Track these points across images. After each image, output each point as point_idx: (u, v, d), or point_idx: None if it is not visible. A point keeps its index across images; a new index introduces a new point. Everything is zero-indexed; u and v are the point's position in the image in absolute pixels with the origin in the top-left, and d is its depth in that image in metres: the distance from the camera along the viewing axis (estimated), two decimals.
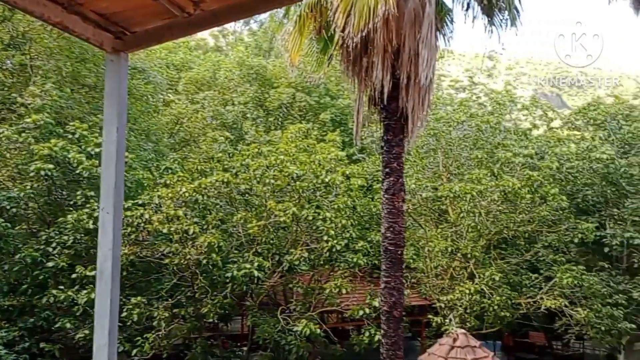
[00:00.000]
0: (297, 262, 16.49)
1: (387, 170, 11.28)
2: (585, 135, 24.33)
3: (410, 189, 19.86)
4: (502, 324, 19.26)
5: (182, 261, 15.30)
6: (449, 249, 18.79)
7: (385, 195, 11.22)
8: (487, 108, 24.30)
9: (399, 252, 11.00)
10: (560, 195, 19.59)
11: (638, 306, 21.15)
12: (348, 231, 16.77)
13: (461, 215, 19.10)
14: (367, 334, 16.12)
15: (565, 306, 18.40)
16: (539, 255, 21.95)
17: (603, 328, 20.47)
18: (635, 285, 21.60)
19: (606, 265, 22.58)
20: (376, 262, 17.74)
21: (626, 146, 24.44)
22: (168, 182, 16.70)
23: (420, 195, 20.88)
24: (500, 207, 19.44)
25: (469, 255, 18.57)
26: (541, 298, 18.54)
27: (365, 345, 16.33)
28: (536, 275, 21.14)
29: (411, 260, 19.31)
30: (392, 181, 11.19)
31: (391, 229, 11.04)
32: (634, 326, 20.86)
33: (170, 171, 18.55)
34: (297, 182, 17.05)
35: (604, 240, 22.52)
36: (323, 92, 30.20)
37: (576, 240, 22.20)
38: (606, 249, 22.55)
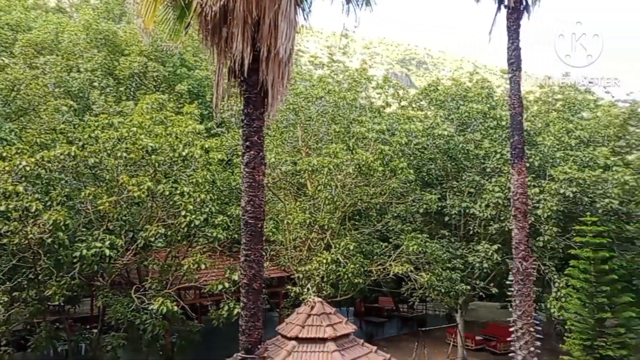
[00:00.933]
0: (152, 239, 15.90)
1: (247, 143, 11.19)
2: (429, 114, 26.25)
3: (270, 162, 20.04)
4: (355, 291, 20.37)
5: (22, 241, 14.00)
6: (307, 222, 19.34)
7: (246, 169, 11.15)
8: (343, 85, 25.16)
9: (259, 225, 11.04)
10: (409, 169, 21.03)
11: (472, 269, 23.54)
12: (207, 206, 16.49)
13: (319, 188, 19.71)
14: (226, 307, 16.11)
15: (411, 271, 19.95)
16: (389, 225, 23.50)
17: (443, 290, 22.56)
18: (471, 251, 23.99)
19: (446, 233, 24.76)
20: (236, 236, 17.74)
21: (463, 124, 26.79)
22: (4, 154, 15.07)
23: (280, 169, 21.17)
24: (355, 180, 20.38)
25: (325, 227, 19.29)
26: (390, 265, 19.89)
27: (224, 319, 16.31)
28: (386, 243, 22.62)
29: (270, 234, 19.59)
30: (253, 155, 11.14)
31: (251, 202, 11.03)
32: (468, 287, 23.23)
33: (6, 143, 16.74)
34: (153, 156, 16.34)
35: (445, 210, 24.68)
36: (178, 63, 29.07)
37: (421, 211, 24.12)
38: (446, 218, 24.73)
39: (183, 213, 15.75)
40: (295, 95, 22.22)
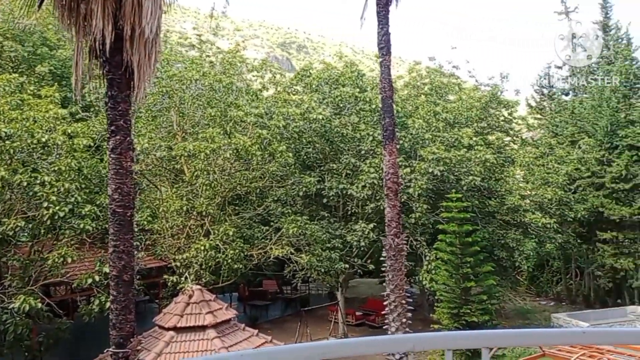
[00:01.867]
0: (11, 233, 14.59)
1: (112, 128, 10.56)
2: (304, 98, 26.59)
3: (144, 148, 19.17)
4: (237, 276, 20.27)
5: None
6: (185, 208, 18.82)
7: (112, 155, 10.54)
8: (217, 67, 24.61)
9: (128, 214, 10.52)
10: (287, 152, 21.15)
11: (351, 248, 24.36)
12: (73, 195, 15.41)
13: (196, 174, 19.22)
14: (96, 302, 15.27)
15: (291, 253, 20.20)
16: (270, 209, 23.57)
17: (323, 270, 23.13)
18: (349, 230, 24.79)
19: (326, 214, 25.33)
20: (107, 226, 16.77)
21: (338, 108, 27.44)
22: None
23: (155, 155, 20.34)
24: (234, 165, 20.13)
25: (204, 213, 18.89)
26: (270, 248, 19.99)
27: (96, 314, 15.46)
28: (267, 227, 22.68)
29: (146, 222, 18.80)
30: (119, 140, 10.54)
31: (119, 190, 10.46)
32: (347, 266, 24.01)
33: None
34: (8, 142, 14.91)
35: (324, 192, 25.23)
36: (39, 42, 26.70)
37: (301, 193, 24.44)
38: (325, 200, 25.30)
39: (45, 204, 14.59)
40: (169, 78, 21.38)
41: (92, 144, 18.05)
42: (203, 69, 21.51)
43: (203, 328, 15.65)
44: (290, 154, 21.64)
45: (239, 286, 33.80)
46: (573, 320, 28.81)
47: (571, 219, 31.34)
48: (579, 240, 33.75)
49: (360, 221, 24.39)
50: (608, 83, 33.26)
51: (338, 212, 26.94)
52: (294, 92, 29.32)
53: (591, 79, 36.87)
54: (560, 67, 41.03)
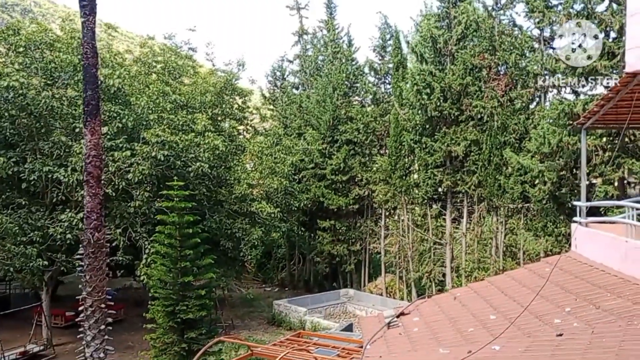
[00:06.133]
0: None
1: None
2: (7, 62, 22.00)
3: None
4: None
5: None
6: None
7: None
8: None
9: None
10: None
11: (55, 242, 20.86)
12: None
13: None
14: None
15: None
16: None
17: (16, 267, 19.28)
18: (54, 221, 21.22)
19: (24, 202, 21.27)
20: None
21: (51, 78, 23.39)
22: None
23: None
24: None
25: None
26: None
27: None
28: None
29: None
30: None
31: None
32: (47, 263, 20.47)
33: None
34: None
35: (23, 175, 21.12)
36: None
37: None
38: (24, 184, 21.22)
39: None
40: None
41: None
42: None
43: None
44: None
45: None
46: (292, 306, 29.91)
47: (295, 208, 32.54)
48: (302, 229, 35.40)
49: (68, 210, 21.04)
50: (331, 81, 35.44)
51: (44, 200, 22.94)
52: None
53: (317, 75, 39.02)
54: (291, 61, 42.68)
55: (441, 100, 28.19)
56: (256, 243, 28.18)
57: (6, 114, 21.86)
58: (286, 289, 38.95)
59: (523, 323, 7.41)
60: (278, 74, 42.79)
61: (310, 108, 36.89)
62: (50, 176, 21.38)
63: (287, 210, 32.03)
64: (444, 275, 30.12)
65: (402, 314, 9.65)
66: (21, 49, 23.05)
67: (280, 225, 30.06)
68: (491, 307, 8.67)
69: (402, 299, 31.63)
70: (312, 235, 36.80)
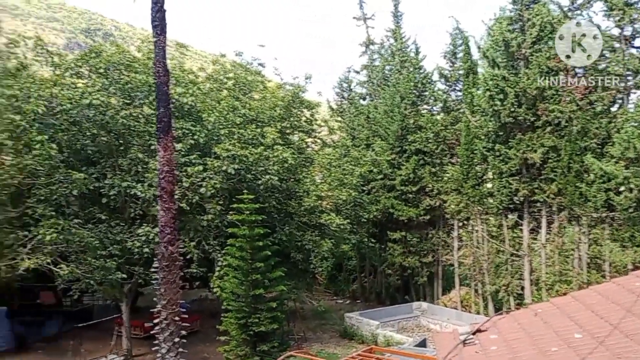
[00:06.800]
0: None
1: None
2: (83, 82, 23.19)
3: None
4: None
5: None
6: None
7: None
8: None
9: None
10: (50, 143, 17.73)
11: (132, 255, 21.61)
12: None
13: None
14: None
15: (48, 263, 16.92)
16: (33, 211, 19.67)
17: (97, 280, 20.10)
18: (132, 235, 22.00)
19: (103, 217, 22.19)
20: None
21: (129, 97, 24.45)
22: None
23: None
24: None
25: None
26: (22, 258, 16.48)
27: None
28: (26, 232, 18.82)
29: None
30: None
31: None
32: (125, 276, 21.20)
33: None
34: None
35: (103, 190, 22.09)
36: None
37: (75, 192, 20.93)
38: (104, 200, 22.17)
39: None
40: None
41: None
42: None
43: None
44: (54, 145, 18.19)
45: (13, 298, 28.77)
46: (364, 319, 29.50)
47: (365, 220, 32.19)
48: (372, 240, 34.95)
49: (145, 225, 21.78)
50: (399, 90, 35.00)
51: (123, 215, 23.89)
52: (77, 75, 25.34)
53: (385, 85, 38.66)
54: (358, 72, 42.58)
55: (515, 106, 27.10)
56: (326, 255, 28.11)
57: (88, 132, 22.98)
58: (358, 301, 38.55)
59: (612, 343, 6.78)
60: (345, 85, 42.80)
61: (378, 118, 36.56)
62: (128, 192, 22.21)
63: (357, 221, 31.75)
64: (522, 288, 28.73)
65: (478, 330, 9.14)
66: (101, 70, 24.24)
67: (350, 237, 29.84)
68: (576, 324, 8.02)
69: (478, 312, 30.46)
70: (382, 247, 36.27)
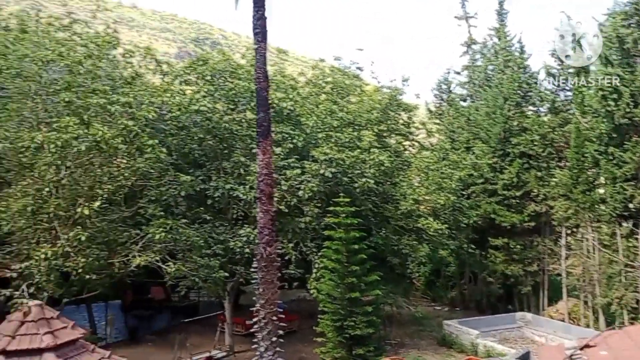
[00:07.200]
0: None
1: None
2: (190, 89, 24.47)
3: None
4: (93, 287, 17.74)
5: None
6: (30, 209, 16.05)
7: None
8: (79, 50, 21.60)
9: None
10: (160, 148, 18.89)
11: (235, 254, 22.44)
12: None
13: (42, 168, 16.52)
14: None
15: (157, 261, 17.98)
16: (144, 211, 21.05)
17: (202, 278, 21.07)
18: (234, 235, 22.85)
19: (208, 217, 23.20)
20: None
21: (232, 103, 25.49)
22: None
23: None
24: (94, 160, 17.59)
25: (51, 215, 16.23)
26: (134, 256, 17.64)
27: None
28: (138, 231, 20.15)
29: None
30: None
31: None
32: (227, 274, 22.02)
33: None
34: None
35: (208, 192, 23.14)
36: None
37: (183, 194, 22.13)
38: (209, 201, 23.22)
39: None
40: (18, 58, 18.47)
41: None
42: (59, 49, 18.68)
43: (40, 351, 13.16)
44: (164, 149, 19.35)
45: (125, 293, 30.99)
46: (464, 327, 28.58)
47: (465, 225, 31.22)
48: (472, 246, 33.80)
49: (246, 226, 22.55)
50: (502, 91, 33.62)
51: (226, 216, 24.93)
52: (185, 82, 26.92)
53: (487, 86, 37.29)
54: (458, 73, 41.46)
55: (631, 106, 25.11)
56: (424, 260, 27.59)
57: (195, 136, 24.25)
58: (457, 308, 37.45)
59: None
60: (444, 87, 41.85)
61: (479, 120, 35.34)
62: (231, 193, 23.13)
63: (456, 227, 30.86)
64: (637, 302, 26.49)
65: (587, 345, 8.55)
66: (208, 77, 25.52)
67: (449, 242, 29.08)
68: None
69: (587, 326, 28.49)
70: (483, 253, 34.95)
